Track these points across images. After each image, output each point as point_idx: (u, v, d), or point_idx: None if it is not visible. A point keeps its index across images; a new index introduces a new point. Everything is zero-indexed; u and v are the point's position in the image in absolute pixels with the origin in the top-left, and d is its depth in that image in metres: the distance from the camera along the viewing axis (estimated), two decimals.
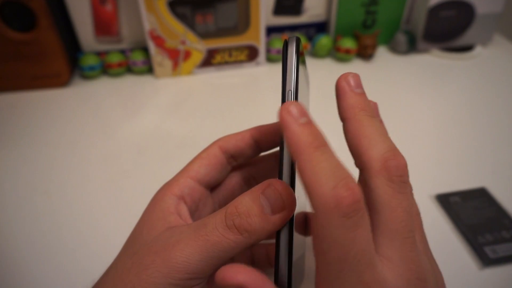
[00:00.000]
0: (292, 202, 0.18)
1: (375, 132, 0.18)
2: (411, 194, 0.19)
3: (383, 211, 0.17)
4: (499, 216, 0.33)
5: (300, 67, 0.20)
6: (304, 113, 0.17)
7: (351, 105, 0.19)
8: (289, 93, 0.19)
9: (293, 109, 0.17)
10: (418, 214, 0.20)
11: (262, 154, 0.26)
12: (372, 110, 0.19)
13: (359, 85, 0.19)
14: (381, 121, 0.20)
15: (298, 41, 0.19)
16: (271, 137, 0.24)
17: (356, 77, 0.19)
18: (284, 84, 0.19)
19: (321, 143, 0.16)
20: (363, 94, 0.19)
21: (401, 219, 0.17)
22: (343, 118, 0.19)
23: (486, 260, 0.29)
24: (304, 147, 0.16)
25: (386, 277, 0.16)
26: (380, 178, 0.17)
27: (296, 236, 0.19)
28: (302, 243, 0.23)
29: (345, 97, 0.19)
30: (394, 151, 0.18)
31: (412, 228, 0.17)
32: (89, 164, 0.40)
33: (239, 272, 0.16)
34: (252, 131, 0.24)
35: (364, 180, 0.18)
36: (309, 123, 0.17)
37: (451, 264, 0.30)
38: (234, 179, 0.26)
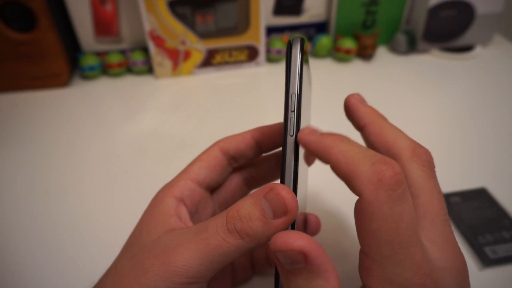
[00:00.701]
0: (295, 207, 0.18)
1: (395, 129, 0.20)
2: None
3: (421, 193, 0.18)
4: (499, 216, 0.33)
5: (304, 67, 0.19)
6: (315, 131, 0.19)
7: (367, 112, 0.21)
8: (292, 96, 0.19)
9: (305, 132, 0.19)
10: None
11: (263, 155, 0.26)
12: (383, 114, 0.22)
13: (364, 101, 0.22)
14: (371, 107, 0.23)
15: (302, 42, 0.19)
16: (272, 138, 0.24)
17: (360, 95, 0.23)
18: (288, 87, 0.19)
19: (343, 138, 0.18)
20: (369, 105, 0.22)
21: (439, 201, 0.18)
22: (362, 125, 0.21)
23: (486, 261, 0.29)
24: (330, 145, 0.18)
25: (433, 258, 0.16)
26: (413, 164, 0.18)
27: None
28: None
29: (359, 108, 0.22)
30: (416, 142, 0.20)
31: (447, 211, 0.18)
32: (88, 164, 0.40)
33: (299, 238, 0.16)
34: (253, 132, 0.24)
35: None
36: (326, 132, 0.19)
37: None
38: (235, 181, 0.26)
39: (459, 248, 0.18)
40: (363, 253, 0.17)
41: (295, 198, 0.18)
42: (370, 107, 0.22)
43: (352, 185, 0.16)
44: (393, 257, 0.15)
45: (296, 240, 0.15)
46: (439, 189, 0.19)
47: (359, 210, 0.16)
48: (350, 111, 0.22)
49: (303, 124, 0.20)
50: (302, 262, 0.15)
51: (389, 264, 0.16)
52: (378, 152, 0.19)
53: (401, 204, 0.16)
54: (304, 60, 0.19)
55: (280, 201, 0.18)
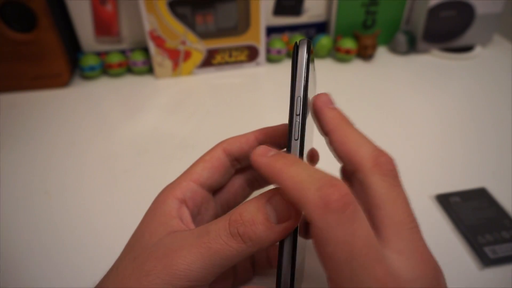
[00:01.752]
0: (299, 212, 0.18)
1: (358, 136, 0.20)
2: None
3: (384, 205, 0.18)
4: (499, 216, 0.33)
5: (310, 70, 0.19)
6: (269, 149, 0.19)
7: (331, 118, 0.20)
8: (298, 100, 0.19)
9: (258, 150, 0.19)
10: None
11: None
12: (349, 119, 0.21)
13: (331, 102, 0.21)
14: (336, 109, 0.22)
15: (309, 45, 0.19)
16: (276, 139, 0.24)
17: (327, 95, 0.22)
18: (293, 90, 0.19)
19: (294, 161, 0.18)
20: (336, 108, 0.21)
21: (403, 209, 0.18)
22: (326, 131, 0.20)
23: (486, 260, 0.29)
24: (280, 168, 0.17)
25: (400, 270, 0.16)
26: (374, 175, 0.18)
27: (298, 240, 0.19)
28: (303, 246, 0.23)
29: (323, 112, 0.21)
30: (379, 150, 0.19)
31: (415, 218, 0.18)
32: (89, 164, 0.40)
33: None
34: (257, 133, 0.24)
35: (359, 181, 0.19)
36: (278, 153, 0.18)
37: (451, 264, 0.30)
38: (237, 182, 0.26)
39: (429, 255, 0.17)
40: (327, 278, 0.17)
41: None
42: (335, 111, 0.21)
43: (303, 210, 0.16)
44: (354, 279, 0.15)
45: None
46: (404, 197, 0.18)
47: (313, 235, 0.16)
48: (316, 114, 0.21)
49: (307, 127, 0.19)
50: None
51: (351, 286, 0.15)
52: (342, 161, 0.19)
53: (351, 224, 0.15)
54: (310, 63, 0.19)
55: (284, 206, 0.18)
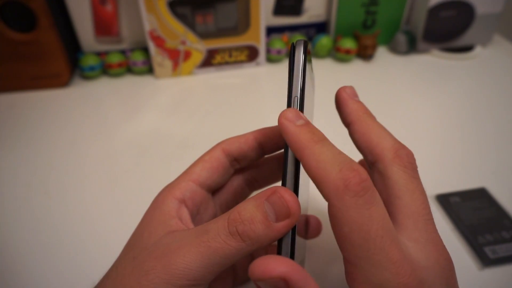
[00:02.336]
0: (297, 210, 0.18)
1: (380, 129, 0.20)
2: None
3: (403, 195, 0.18)
4: (499, 216, 0.33)
5: (307, 71, 0.19)
6: (300, 116, 0.19)
7: (355, 109, 0.21)
8: (295, 100, 0.19)
9: (289, 114, 0.19)
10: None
11: (265, 156, 0.26)
12: (371, 113, 0.21)
13: (356, 95, 0.22)
14: (360, 102, 0.23)
15: (305, 45, 0.19)
16: (275, 139, 0.24)
17: (352, 88, 0.23)
18: (290, 90, 0.19)
19: (320, 138, 0.18)
20: (360, 101, 0.22)
21: (421, 201, 0.18)
22: (348, 122, 0.21)
23: (486, 261, 0.29)
24: (305, 143, 0.17)
25: (415, 257, 0.17)
26: (395, 165, 0.19)
27: (297, 240, 0.19)
28: (303, 246, 0.23)
29: (347, 104, 0.21)
30: (400, 143, 0.20)
31: (430, 211, 0.18)
32: (89, 164, 0.40)
33: (280, 263, 0.16)
34: (256, 134, 0.24)
35: (379, 172, 0.19)
36: (307, 124, 0.18)
37: None
38: (236, 182, 0.26)
39: (443, 246, 0.18)
40: (344, 258, 0.17)
41: (297, 201, 0.18)
42: (359, 104, 0.22)
43: (320, 190, 0.17)
44: (369, 259, 0.16)
45: (275, 266, 0.15)
46: (422, 190, 0.19)
47: (330, 216, 0.17)
48: (339, 105, 0.22)
49: None
50: None
51: (367, 266, 0.16)
52: (362, 151, 0.20)
53: (369, 208, 0.16)
54: (307, 63, 0.19)
55: (283, 204, 0.18)
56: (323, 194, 0.17)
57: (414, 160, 0.19)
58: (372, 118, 0.21)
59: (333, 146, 0.18)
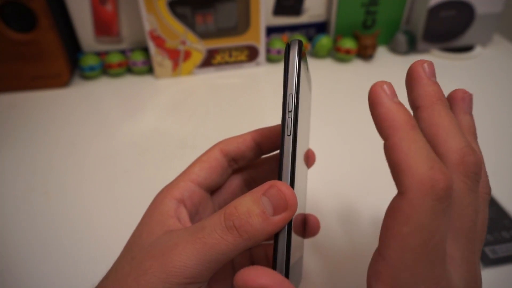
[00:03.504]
0: (295, 202, 0.18)
1: (452, 124, 0.18)
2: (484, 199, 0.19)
3: (454, 207, 0.17)
4: (499, 216, 0.33)
5: (302, 71, 0.19)
6: (395, 94, 0.17)
7: (428, 93, 0.18)
8: (290, 97, 0.19)
9: (387, 87, 0.17)
10: (484, 223, 0.19)
11: (263, 156, 0.26)
12: (447, 101, 0.19)
13: (434, 74, 0.19)
14: (472, 116, 0.21)
15: (300, 45, 0.19)
16: (272, 139, 0.24)
17: (432, 65, 0.19)
18: (286, 87, 0.19)
19: (415, 125, 0.16)
20: (438, 84, 0.19)
21: (470, 218, 0.17)
22: (417, 105, 0.18)
23: (486, 261, 0.29)
24: (401, 124, 0.16)
25: (452, 275, 0.16)
26: (456, 173, 0.17)
27: (295, 238, 0.19)
28: (301, 245, 0.23)
29: (422, 83, 0.18)
30: (471, 147, 0.17)
31: (476, 230, 0.17)
32: (89, 164, 0.40)
33: (262, 275, 0.15)
34: (254, 134, 0.24)
35: None
36: (402, 104, 0.17)
37: None
38: (235, 182, 0.26)
39: (477, 269, 0.17)
40: (380, 255, 0.16)
41: (294, 194, 0.18)
42: (435, 86, 0.18)
43: (399, 177, 0.15)
44: (413, 267, 0.15)
45: (258, 277, 0.15)
46: (476, 205, 0.17)
47: (395, 208, 0.15)
48: (411, 83, 0.19)
49: (300, 125, 0.20)
50: None
51: (406, 274, 0.15)
52: None
53: (441, 217, 0.15)
54: (302, 63, 0.19)
55: (281, 197, 0.18)
56: (399, 183, 0.15)
57: (480, 170, 0.17)
58: (447, 108, 0.18)
59: (425, 140, 0.16)
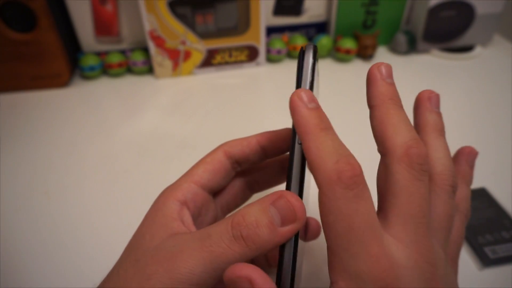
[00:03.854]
0: (303, 215, 0.18)
1: (401, 121, 0.19)
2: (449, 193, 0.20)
3: (400, 194, 0.18)
4: (499, 216, 0.33)
5: (314, 75, 0.19)
6: (313, 99, 0.19)
7: (381, 93, 0.20)
8: None
9: (303, 95, 0.18)
10: (447, 213, 0.20)
11: (267, 160, 0.26)
12: (400, 100, 0.20)
13: (390, 75, 0.20)
14: (439, 114, 0.23)
15: (315, 50, 0.19)
16: (278, 144, 0.24)
17: (389, 67, 0.20)
18: None
19: (327, 126, 0.18)
20: (393, 84, 0.20)
21: (417, 203, 0.18)
22: (371, 105, 0.20)
23: (486, 261, 0.29)
24: (311, 128, 0.18)
25: (396, 254, 0.17)
26: (401, 164, 0.18)
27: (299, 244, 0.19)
28: (302, 247, 0.23)
29: (376, 84, 0.20)
30: (416, 140, 0.18)
31: (427, 214, 0.18)
32: (89, 164, 0.40)
33: (245, 267, 0.17)
34: (259, 137, 0.24)
35: (385, 165, 0.19)
36: (318, 108, 0.18)
37: None
38: (238, 184, 0.25)
39: (428, 250, 0.17)
40: (327, 247, 0.17)
41: (303, 206, 0.18)
42: (389, 87, 0.20)
43: (315, 177, 0.17)
44: (349, 250, 0.16)
45: (243, 268, 0.17)
46: (423, 193, 0.18)
47: (320, 203, 0.17)
48: (367, 84, 0.20)
49: None
50: None
51: (346, 256, 0.16)
52: (376, 140, 0.19)
53: (357, 202, 0.16)
54: (315, 67, 0.19)
55: (289, 209, 0.18)
56: (316, 181, 0.17)
57: (425, 161, 0.18)
58: (397, 106, 0.19)
59: (337, 137, 0.18)
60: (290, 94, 0.19)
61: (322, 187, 0.17)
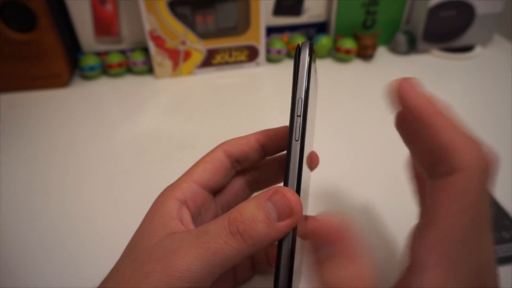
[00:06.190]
0: (300, 209, 0.18)
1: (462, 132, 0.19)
2: None
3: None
4: (499, 216, 0.33)
5: (311, 72, 0.19)
6: (419, 84, 0.19)
7: (429, 103, 0.20)
8: (299, 101, 0.19)
9: (408, 83, 0.20)
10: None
11: (267, 158, 0.26)
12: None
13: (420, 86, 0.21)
14: None
15: (311, 47, 0.19)
16: (277, 141, 0.24)
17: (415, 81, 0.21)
18: (295, 91, 0.19)
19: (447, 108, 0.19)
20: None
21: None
22: (419, 115, 0.20)
23: None
24: (440, 111, 0.18)
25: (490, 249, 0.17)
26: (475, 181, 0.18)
27: (298, 241, 0.19)
28: (302, 246, 0.23)
29: (418, 96, 0.21)
30: (488, 152, 0.19)
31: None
32: (89, 164, 0.40)
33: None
34: (258, 135, 0.24)
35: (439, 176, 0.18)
36: (425, 94, 0.19)
37: None
38: (238, 183, 0.25)
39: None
40: (431, 230, 0.17)
41: (300, 201, 0.18)
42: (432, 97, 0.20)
43: (453, 157, 0.17)
44: (465, 240, 0.16)
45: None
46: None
47: (447, 185, 0.17)
48: (403, 95, 0.21)
49: (308, 129, 0.19)
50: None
51: (459, 245, 0.16)
52: (431, 153, 0.19)
53: (489, 194, 0.17)
54: (312, 64, 0.19)
55: (286, 203, 0.18)
56: (453, 162, 0.17)
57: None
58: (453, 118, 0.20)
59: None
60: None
61: (467, 170, 0.17)
